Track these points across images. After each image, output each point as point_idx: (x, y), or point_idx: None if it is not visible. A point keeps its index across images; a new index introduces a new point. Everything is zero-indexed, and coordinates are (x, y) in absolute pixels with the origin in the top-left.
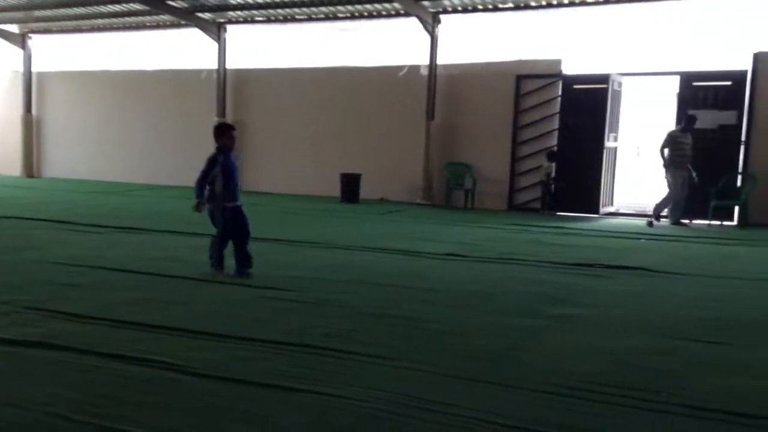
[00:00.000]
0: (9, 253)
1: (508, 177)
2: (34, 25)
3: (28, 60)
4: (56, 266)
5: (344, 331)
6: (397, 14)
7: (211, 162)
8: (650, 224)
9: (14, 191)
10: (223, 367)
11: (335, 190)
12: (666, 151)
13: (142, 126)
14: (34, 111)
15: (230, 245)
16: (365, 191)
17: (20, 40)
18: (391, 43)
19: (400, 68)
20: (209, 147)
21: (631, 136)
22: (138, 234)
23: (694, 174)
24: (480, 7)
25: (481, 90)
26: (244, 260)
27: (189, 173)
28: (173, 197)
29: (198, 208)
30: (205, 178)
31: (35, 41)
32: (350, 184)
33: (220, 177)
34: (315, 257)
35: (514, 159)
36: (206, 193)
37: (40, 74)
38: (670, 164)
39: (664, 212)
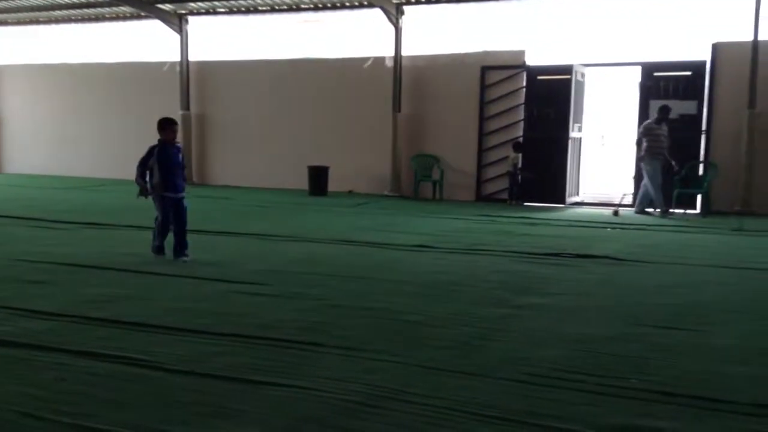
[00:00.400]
0: None
1: (475, 168)
2: None
3: None
4: (21, 263)
5: (315, 324)
6: (361, 5)
7: (149, 151)
8: (615, 213)
9: None
10: (194, 362)
11: (304, 183)
12: (643, 141)
13: (106, 120)
14: None
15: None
16: (333, 184)
17: None
18: (355, 35)
19: (365, 60)
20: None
21: (596, 127)
22: (104, 229)
23: (673, 162)
24: None
25: (447, 81)
26: (181, 246)
27: None
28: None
29: (142, 193)
30: (143, 165)
31: None
32: (318, 177)
33: (156, 167)
34: (285, 251)
35: (481, 150)
36: (148, 181)
37: None
38: (645, 155)
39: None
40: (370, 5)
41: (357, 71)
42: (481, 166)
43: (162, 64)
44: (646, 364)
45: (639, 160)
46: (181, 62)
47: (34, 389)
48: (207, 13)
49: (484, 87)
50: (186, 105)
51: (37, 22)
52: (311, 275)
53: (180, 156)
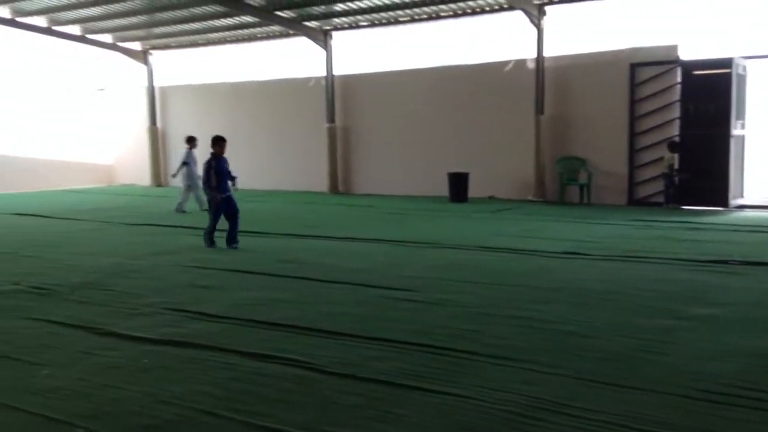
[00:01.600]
0: (149, 258)
1: (626, 170)
2: (154, 42)
3: (150, 75)
4: (189, 269)
5: (468, 332)
6: (501, 9)
7: (208, 167)
8: None
9: (146, 200)
10: (355, 365)
11: (443, 189)
12: None
13: (259, 134)
14: (158, 123)
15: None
16: (474, 189)
17: (142, 57)
18: (494, 39)
19: (505, 63)
20: (321, 152)
21: (763, 124)
22: (259, 237)
23: None
24: None
25: (593, 81)
26: (233, 238)
27: (303, 178)
28: (290, 202)
29: (216, 199)
30: (208, 180)
31: (156, 57)
32: (458, 183)
33: (213, 176)
34: (427, 257)
35: (633, 151)
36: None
37: (163, 88)
38: None
39: None
40: (511, 8)
41: (497, 75)
42: (633, 168)
43: (308, 79)
44: None
45: None
46: (326, 77)
47: (210, 387)
48: (350, 27)
49: (634, 85)
50: (331, 118)
51: (196, 45)
52: (457, 282)
53: (227, 165)
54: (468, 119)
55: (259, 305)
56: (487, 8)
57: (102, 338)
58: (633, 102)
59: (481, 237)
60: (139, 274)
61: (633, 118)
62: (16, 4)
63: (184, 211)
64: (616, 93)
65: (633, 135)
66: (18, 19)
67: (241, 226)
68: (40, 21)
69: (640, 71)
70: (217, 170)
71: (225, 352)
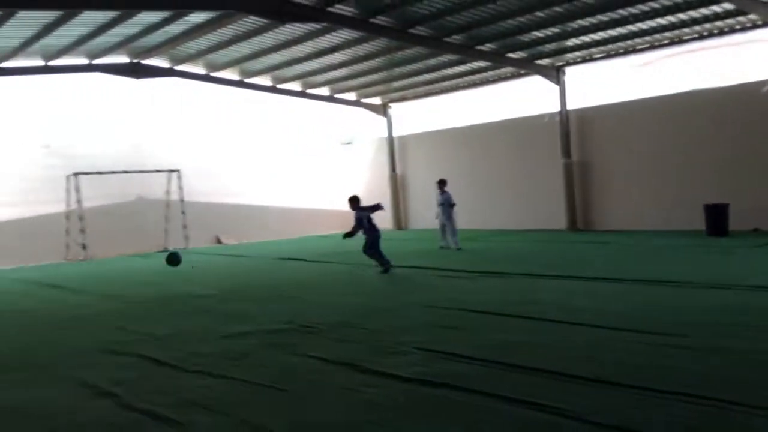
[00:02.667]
0: (392, 299)
1: None
2: (393, 95)
3: (389, 126)
4: (434, 309)
5: (744, 382)
6: (754, 26)
7: (358, 221)
8: None
9: (389, 243)
10: (615, 415)
11: (698, 222)
12: None
13: (491, 174)
14: (398, 170)
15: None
16: (735, 222)
17: (382, 110)
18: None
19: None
20: (556, 189)
21: None
22: (497, 278)
23: None
24: None
25: None
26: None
27: (537, 216)
28: (528, 240)
29: (349, 235)
30: (357, 231)
31: (394, 109)
32: (716, 215)
33: (359, 225)
34: (690, 297)
35: None
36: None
37: (401, 137)
38: None
39: None
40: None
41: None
42: None
43: (542, 116)
44: None
45: None
46: (560, 112)
47: (455, 428)
48: (584, 61)
49: None
50: (567, 153)
51: (430, 94)
52: (730, 326)
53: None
54: (728, 147)
55: (507, 347)
56: (738, 26)
57: (363, 375)
58: None
59: (747, 275)
60: (388, 313)
61: None
62: (276, 73)
63: (449, 248)
64: None
65: None
66: (278, 86)
67: (481, 266)
68: (295, 86)
69: None
70: (361, 222)
71: (470, 392)
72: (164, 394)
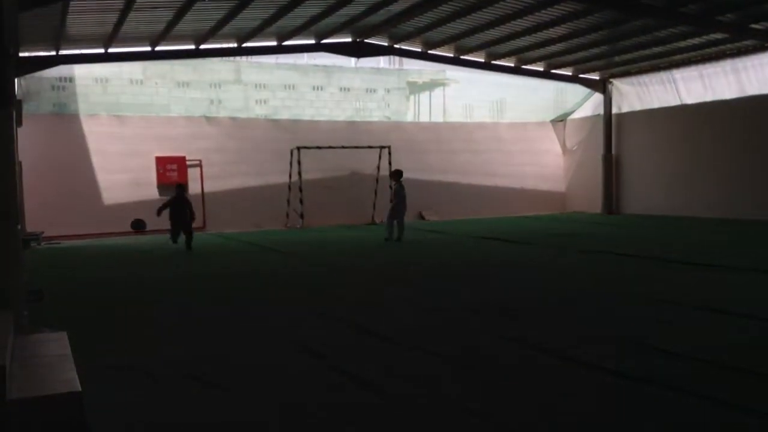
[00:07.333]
0: (591, 286)
1: None
2: (614, 70)
3: (608, 103)
4: (636, 305)
5: None
6: None
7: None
8: None
9: (595, 227)
10: None
11: None
12: None
13: (718, 158)
14: (613, 151)
15: None
16: None
17: (601, 86)
18: None
19: None
20: None
21: None
22: (710, 270)
23: None
24: None
25: None
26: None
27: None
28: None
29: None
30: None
31: (615, 85)
32: None
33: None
34: None
35: None
36: None
37: (618, 115)
38: None
39: None
40: None
41: None
42: None
43: None
44: None
45: None
46: None
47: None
48: None
49: None
50: None
51: (657, 69)
52: None
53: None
54: None
55: (735, 350)
56: None
57: (561, 365)
58: None
59: None
60: (582, 301)
61: None
62: (491, 49)
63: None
64: None
65: None
66: (492, 62)
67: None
68: (509, 62)
69: None
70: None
71: (686, 393)
72: (370, 361)
